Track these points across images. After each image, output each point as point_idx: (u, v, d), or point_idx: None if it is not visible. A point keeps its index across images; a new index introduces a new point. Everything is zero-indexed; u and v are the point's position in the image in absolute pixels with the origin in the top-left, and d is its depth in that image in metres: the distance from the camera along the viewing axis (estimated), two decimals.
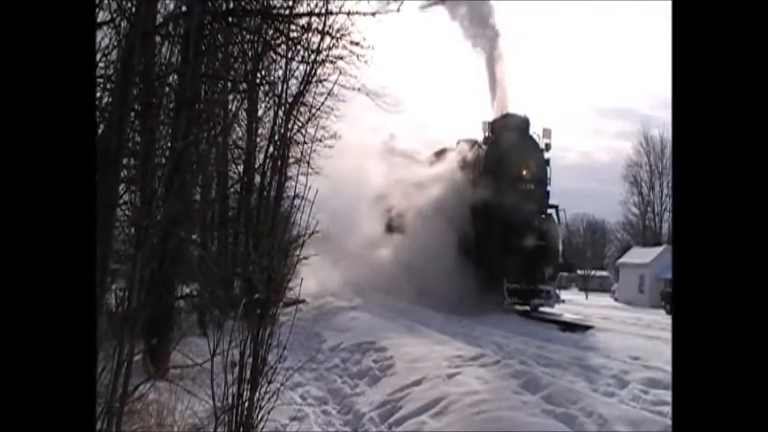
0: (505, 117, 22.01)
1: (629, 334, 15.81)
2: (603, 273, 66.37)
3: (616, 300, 44.10)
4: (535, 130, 22.03)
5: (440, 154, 24.49)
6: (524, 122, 21.81)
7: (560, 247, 21.65)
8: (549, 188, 21.68)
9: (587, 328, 16.35)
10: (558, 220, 21.93)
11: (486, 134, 21.94)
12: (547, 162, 21.70)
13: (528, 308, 20.27)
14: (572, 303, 31.62)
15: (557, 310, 21.21)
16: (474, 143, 22.72)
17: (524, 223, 20.13)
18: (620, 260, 48.11)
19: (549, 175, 21.66)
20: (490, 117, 22.76)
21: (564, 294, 24.68)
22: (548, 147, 21.66)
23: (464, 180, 21.94)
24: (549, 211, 21.84)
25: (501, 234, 20.01)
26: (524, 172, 21.01)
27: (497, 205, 20.19)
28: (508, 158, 20.90)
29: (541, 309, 20.85)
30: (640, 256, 43.67)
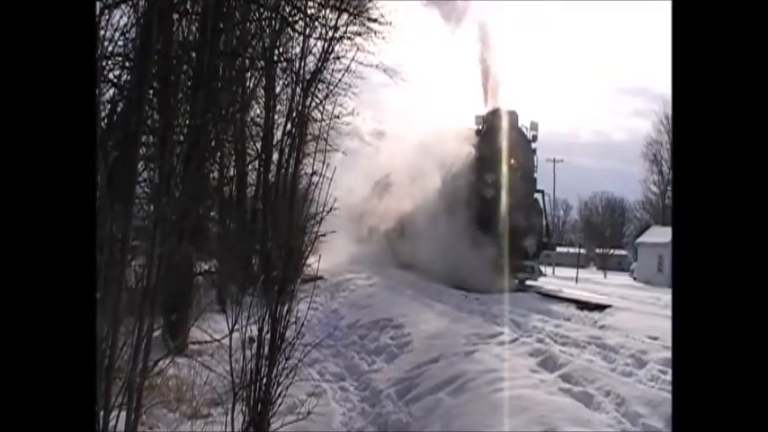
0: (495, 111, 24.87)
1: (648, 314, 15.66)
2: (622, 252, 66.01)
3: (635, 279, 43.84)
4: (524, 123, 24.73)
5: (447, 139, 26.86)
6: (513, 116, 24.58)
7: (543, 228, 24.66)
8: (535, 175, 24.75)
9: (605, 307, 16.27)
10: (543, 203, 25.00)
11: (479, 127, 24.79)
12: (534, 152, 24.74)
13: (516, 281, 22.58)
14: (590, 282, 31.63)
15: (575, 289, 22.70)
16: (473, 131, 25.26)
17: (511, 206, 22.78)
18: (639, 239, 47.74)
19: (535, 164, 24.79)
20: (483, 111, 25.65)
21: (582, 273, 25.93)
22: (534, 138, 24.65)
23: (463, 166, 24.35)
24: (536, 195, 24.78)
25: (491, 215, 22.62)
26: (512, 161, 23.69)
27: (489, 190, 23.16)
28: (497, 149, 23.61)
29: (531, 283, 23.16)
30: (659, 235, 43.21)
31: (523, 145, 24.35)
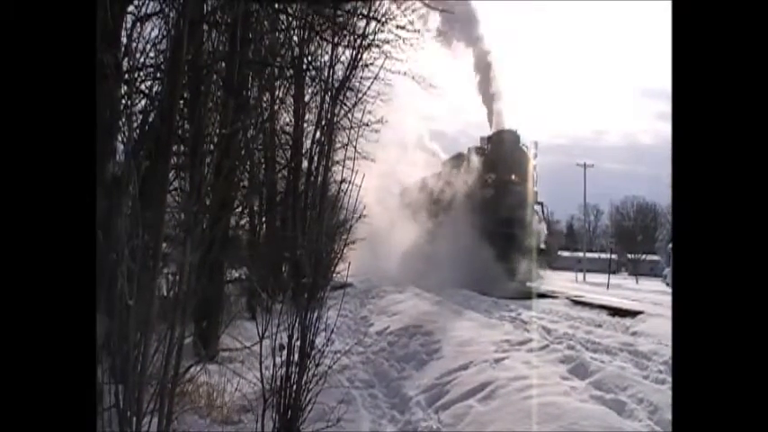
0: (499, 133, 28.43)
1: None
2: (654, 257, 65.08)
3: (667, 285, 43.13)
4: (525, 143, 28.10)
5: (456, 158, 30.80)
6: (515, 136, 27.94)
7: (542, 236, 27.47)
8: (536, 189, 27.72)
9: (637, 313, 16.08)
10: (543, 213, 28.45)
11: (485, 146, 28.23)
12: (534, 168, 27.87)
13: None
14: (621, 288, 31.29)
15: (605, 295, 23.57)
16: (480, 150, 28.56)
17: (513, 217, 25.80)
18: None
19: (535, 179, 27.81)
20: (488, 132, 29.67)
21: (613, 279, 29.72)
22: (535, 155, 28.08)
23: (473, 182, 27.57)
24: (536, 207, 27.76)
25: (496, 225, 25.22)
26: (513, 177, 27.04)
27: (494, 203, 26.20)
28: (501, 166, 27.03)
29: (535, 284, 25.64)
30: None
31: (524, 161, 27.47)
